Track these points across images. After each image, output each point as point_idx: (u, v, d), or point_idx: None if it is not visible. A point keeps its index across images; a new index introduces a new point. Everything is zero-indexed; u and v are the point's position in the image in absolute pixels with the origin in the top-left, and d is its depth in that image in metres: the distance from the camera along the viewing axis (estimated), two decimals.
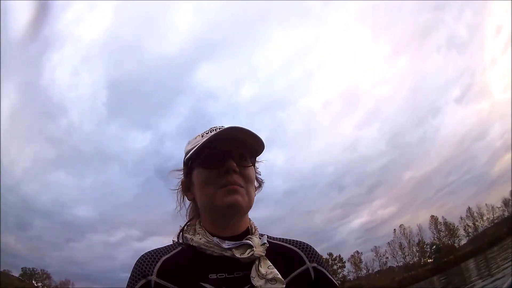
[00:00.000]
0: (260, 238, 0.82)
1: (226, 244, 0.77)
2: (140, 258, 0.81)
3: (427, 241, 47.12)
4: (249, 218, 0.89)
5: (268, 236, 0.87)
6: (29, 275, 42.71)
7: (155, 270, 0.77)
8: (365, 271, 48.01)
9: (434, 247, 46.21)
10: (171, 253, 0.82)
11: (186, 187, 0.90)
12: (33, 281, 42.85)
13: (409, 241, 47.34)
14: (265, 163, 0.92)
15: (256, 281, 0.73)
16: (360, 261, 48.99)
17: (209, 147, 0.80)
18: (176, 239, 0.85)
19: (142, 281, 0.76)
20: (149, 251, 0.83)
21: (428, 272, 39.62)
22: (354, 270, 48.55)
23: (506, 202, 44.43)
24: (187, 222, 0.89)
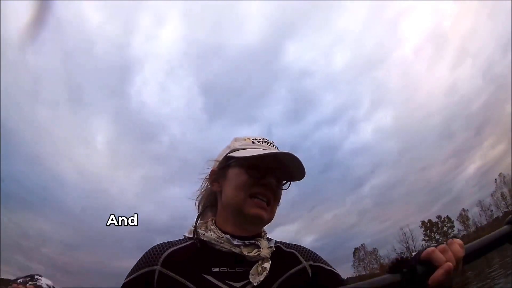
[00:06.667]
0: (268, 242, 0.86)
1: (236, 241, 0.80)
2: (149, 249, 0.84)
3: None
4: None
5: (276, 241, 0.91)
6: None
7: (161, 260, 0.80)
8: (473, 228, 44.75)
9: None
10: (180, 245, 0.85)
11: (215, 178, 0.92)
12: None
13: (510, 190, 42.41)
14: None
15: (253, 278, 0.76)
16: (468, 219, 45.91)
17: (261, 157, 0.83)
18: (187, 235, 0.88)
19: (146, 269, 0.79)
20: (160, 243, 0.86)
21: None
22: (463, 228, 45.57)
23: None
24: (198, 216, 0.92)
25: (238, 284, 0.76)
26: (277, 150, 0.87)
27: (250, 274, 0.77)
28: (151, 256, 0.82)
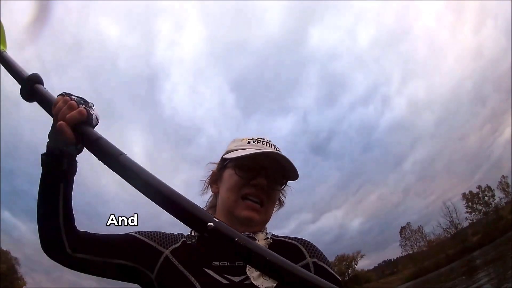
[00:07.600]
0: (265, 235, 0.88)
1: None
2: (168, 232, 0.89)
3: None
4: None
5: (273, 234, 0.92)
6: None
7: (172, 247, 0.84)
8: None
9: None
10: (190, 240, 0.88)
11: (214, 180, 0.95)
12: None
13: None
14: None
15: (250, 272, 0.77)
16: (508, 186, 43.79)
17: (250, 157, 0.84)
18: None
19: (155, 245, 0.84)
20: (178, 233, 0.90)
21: None
22: (504, 195, 43.58)
23: None
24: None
25: (237, 279, 0.78)
26: (270, 150, 0.87)
27: (247, 268, 0.78)
28: (166, 238, 0.86)
